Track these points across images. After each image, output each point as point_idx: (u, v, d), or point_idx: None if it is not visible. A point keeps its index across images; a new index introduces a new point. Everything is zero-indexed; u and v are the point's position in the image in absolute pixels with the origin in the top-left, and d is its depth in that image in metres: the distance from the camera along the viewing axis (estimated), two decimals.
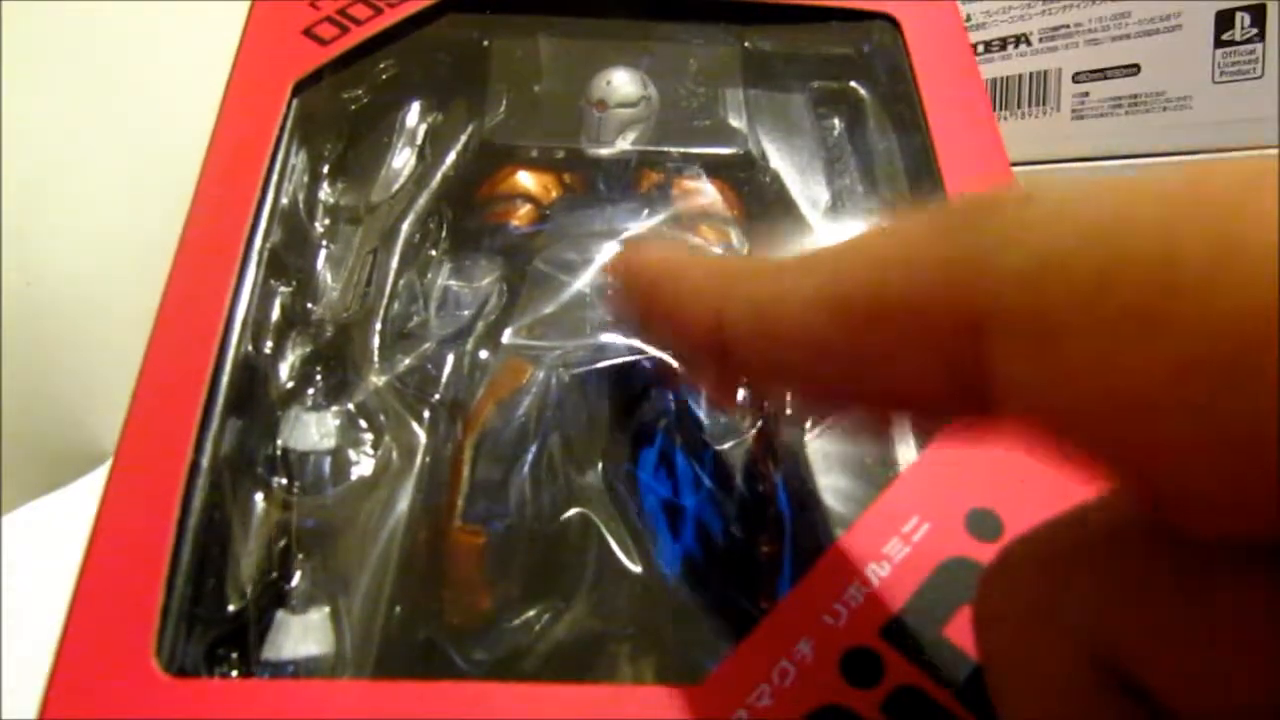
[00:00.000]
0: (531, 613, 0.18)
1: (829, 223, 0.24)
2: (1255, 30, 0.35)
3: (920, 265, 0.11)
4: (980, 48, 0.45)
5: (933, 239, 0.11)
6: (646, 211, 0.24)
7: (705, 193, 0.24)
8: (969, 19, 0.45)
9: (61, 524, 0.33)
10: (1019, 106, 0.43)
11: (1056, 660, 0.11)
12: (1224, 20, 0.36)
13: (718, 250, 0.24)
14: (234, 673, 0.16)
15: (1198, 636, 0.10)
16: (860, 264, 0.11)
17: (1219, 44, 0.36)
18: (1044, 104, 0.42)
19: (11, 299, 0.35)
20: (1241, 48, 0.35)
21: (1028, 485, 0.16)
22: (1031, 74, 0.43)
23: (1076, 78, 0.41)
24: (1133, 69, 0.39)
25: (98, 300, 0.37)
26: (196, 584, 0.16)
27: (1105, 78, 0.40)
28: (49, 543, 0.32)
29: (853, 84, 0.26)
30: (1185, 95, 0.38)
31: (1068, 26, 0.41)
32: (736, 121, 0.25)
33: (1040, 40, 0.42)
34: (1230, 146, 0.36)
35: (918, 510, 0.16)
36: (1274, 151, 0.35)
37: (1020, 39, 0.43)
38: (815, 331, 0.12)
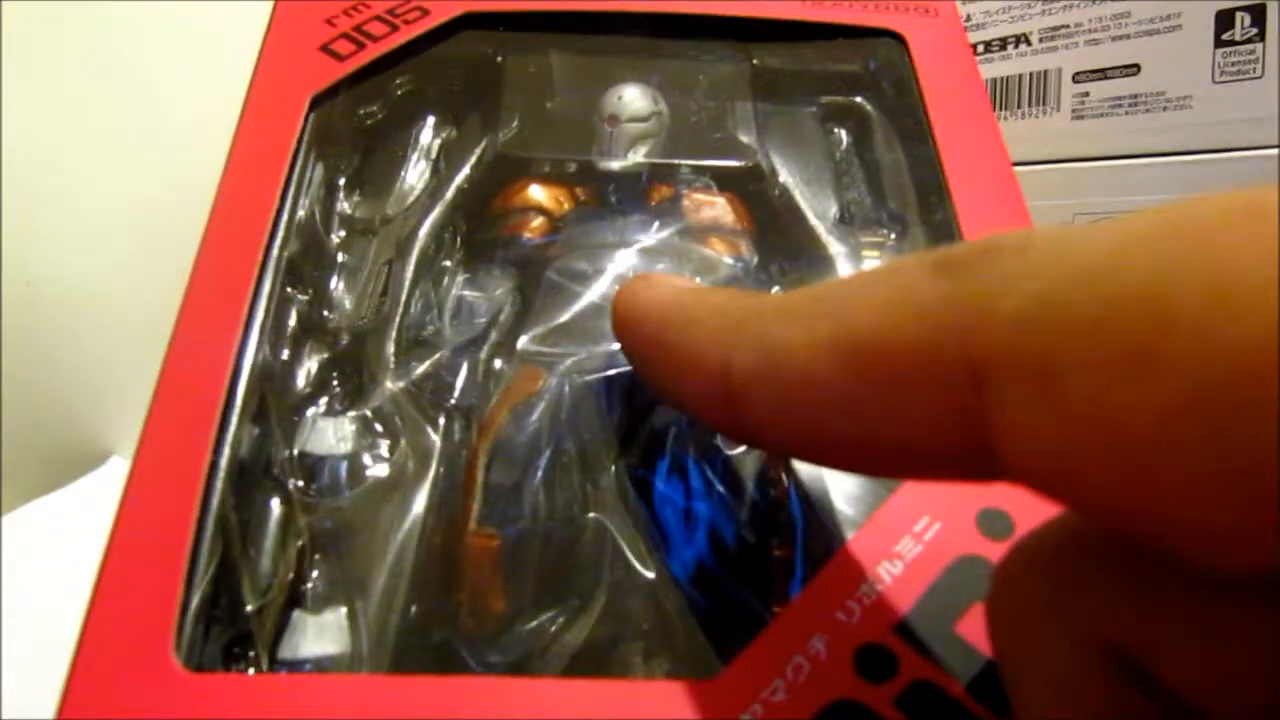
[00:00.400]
0: (545, 616, 0.19)
1: (838, 234, 0.24)
2: (1255, 30, 0.35)
3: (924, 310, 0.11)
4: (980, 48, 0.45)
5: (936, 282, 0.11)
6: (657, 224, 0.24)
7: (716, 205, 0.25)
8: (969, 19, 0.45)
9: (61, 524, 0.34)
10: (1019, 106, 0.43)
11: (1070, 654, 0.11)
12: (1224, 20, 0.36)
13: (728, 262, 0.24)
14: (251, 670, 0.16)
15: (1212, 635, 0.10)
16: (866, 307, 0.11)
17: (1219, 44, 0.36)
18: (1044, 104, 0.42)
19: (11, 299, 0.35)
20: (1241, 48, 0.36)
21: None
22: (1031, 74, 0.43)
23: (1076, 78, 0.42)
24: (1133, 69, 0.39)
25: (98, 300, 0.37)
26: (215, 583, 0.16)
27: (1105, 78, 0.40)
28: (49, 543, 0.33)
29: (859, 99, 0.26)
30: (1185, 95, 0.38)
31: (1068, 26, 0.41)
32: (746, 136, 0.25)
33: (1040, 40, 0.42)
34: (1230, 146, 0.37)
35: (929, 510, 0.17)
36: (1274, 152, 0.35)
37: (1020, 39, 0.43)
38: (824, 378, 0.12)
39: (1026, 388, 0.10)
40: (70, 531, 0.33)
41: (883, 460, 0.12)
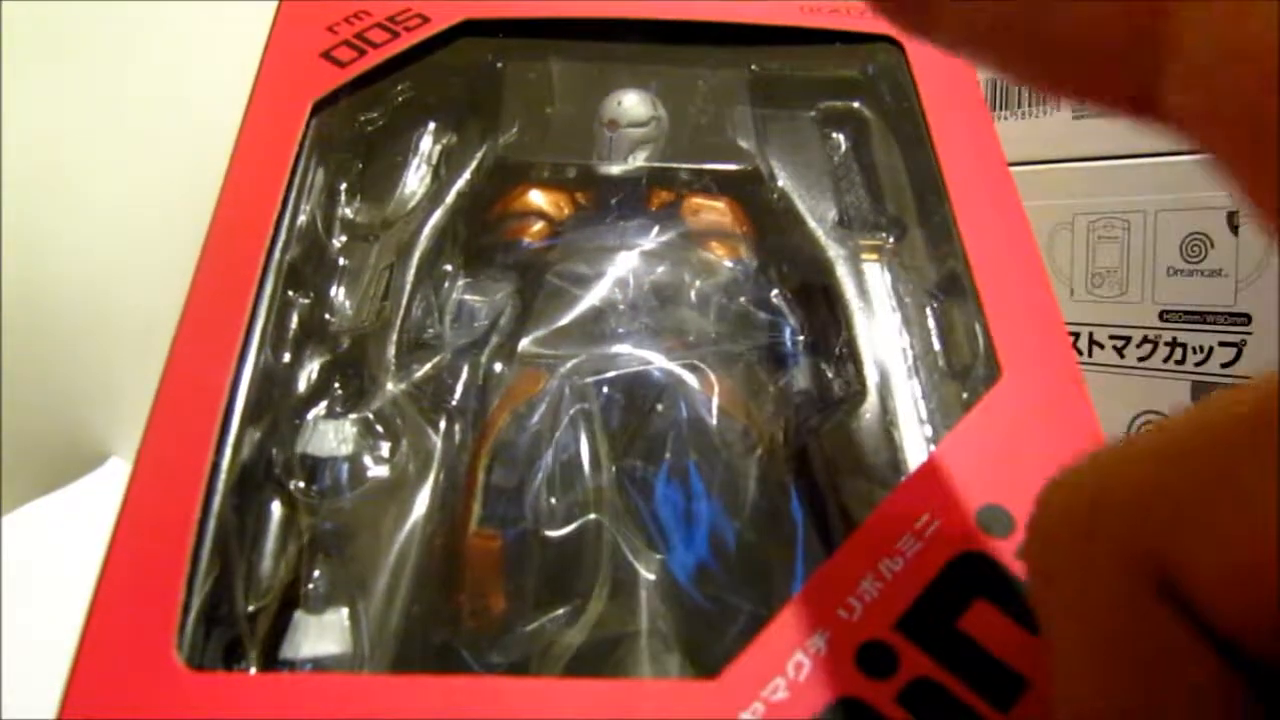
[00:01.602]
0: (546, 616, 0.19)
1: (836, 237, 0.24)
2: None
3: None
4: None
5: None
6: (657, 228, 0.24)
7: (715, 209, 0.25)
8: None
9: (61, 524, 0.33)
10: (1019, 106, 0.43)
11: (1101, 572, 0.11)
12: None
13: (727, 265, 0.24)
14: (253, 670, 0.16)
15: (1237, 534, 0.10)
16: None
17: None
18: (1044, 104, 0.42)
19: (11, 299, 0.35)
20: None
21: (1039, 481, 0.17)
22: None
23: None
24: None
25: (98, 300, 0.37)
26: (216, 584, 0.16)
27: None
28: (49, 543, 0.33)
29: (857, 104, 0.27)
30: None
31: None
32: (744, 141, 0.26)
33: None
34: None
35: (929, 507, 0.17)
36: None
37: None
38: None
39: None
40: (70, 531, 0.33)
41: (1057, 57, 0.12)
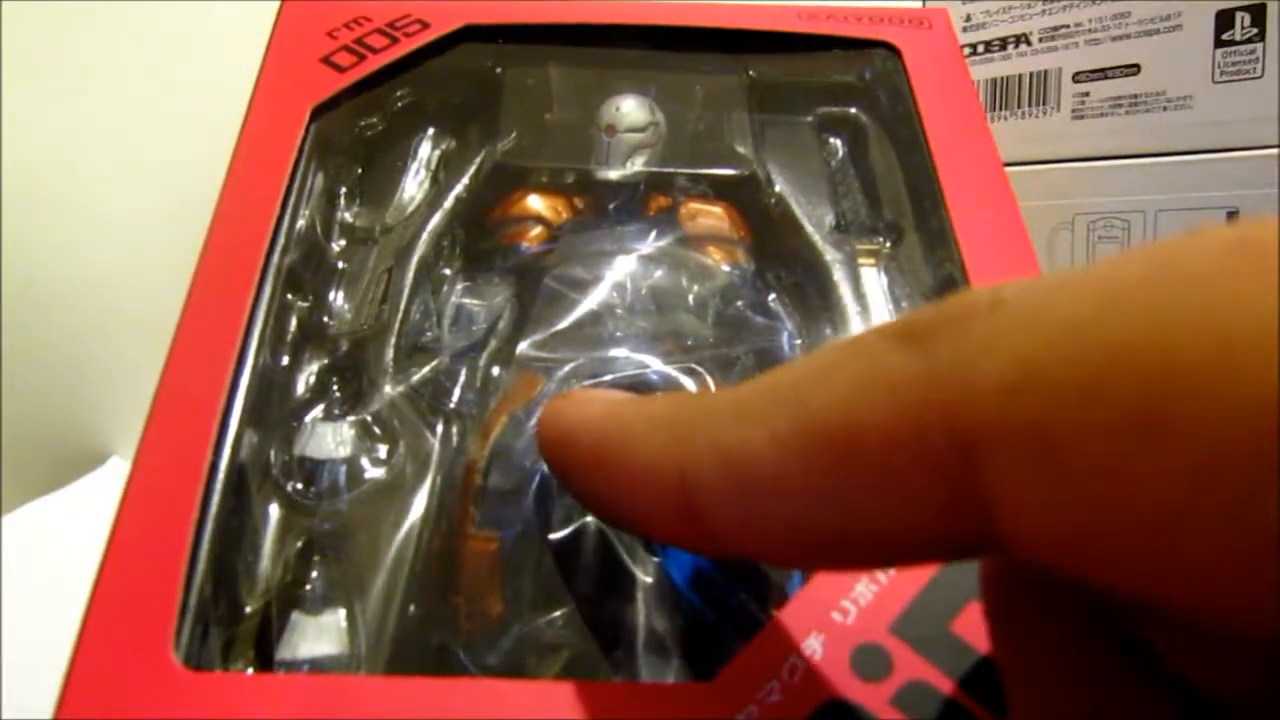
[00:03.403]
0: (543, 619, 0.19)
1: (833, 242, 0.24)
2: (1255, 30, 0.35)
3: (897, 387, 0.10)
4: (980, 47, 0.45)
5: (905, 356, 0.10)
6: (655, 232, 0.24)
7: (712, 214, 0.25)
8: (969, 19, 0.45)
9: (61, 524, 0.34)
10: (1019, 106, 0.43)
11: (1072, 639, 0.11)
12: (1224, 20, 0.36)
13: (724, 270, 0.24)
14: (250, 670, 0.16)
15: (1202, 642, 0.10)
16: (831, 392, 0.10)
17: (1219, 44, 0.37)
18: (1044, 104, 0.42)
19: (11, 299, 0.35)
20: (1241, 48, 0.36)
21: None
22: (1031, 74, 0.43)
23: (1076, 78, 0.42)
24: (1133, 69, 0.39)
25: (98, 300, 0.37)
26: (214, 584, 0.17)
27: (1105, 78, 0.40)
28: (49, 543, 0.33)
29: (854, 110, 0.27)
30: (1185, 95, 0.38)
31: (1068, 26, 0.41)
32: (742, 146, 0.26)
33: (1040, 40, 0.42)
34: (1230, 146, 0.37)
35: None
36: (1274, 152, 0.35)
37: (1020, 39, 0.43)
38: (794, 474, 0.10)
39: (1021, 460, 0.09)
40: (70, 531, 0.33)
41: (869, 552, 0.11)
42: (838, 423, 0.10)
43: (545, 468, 0.20)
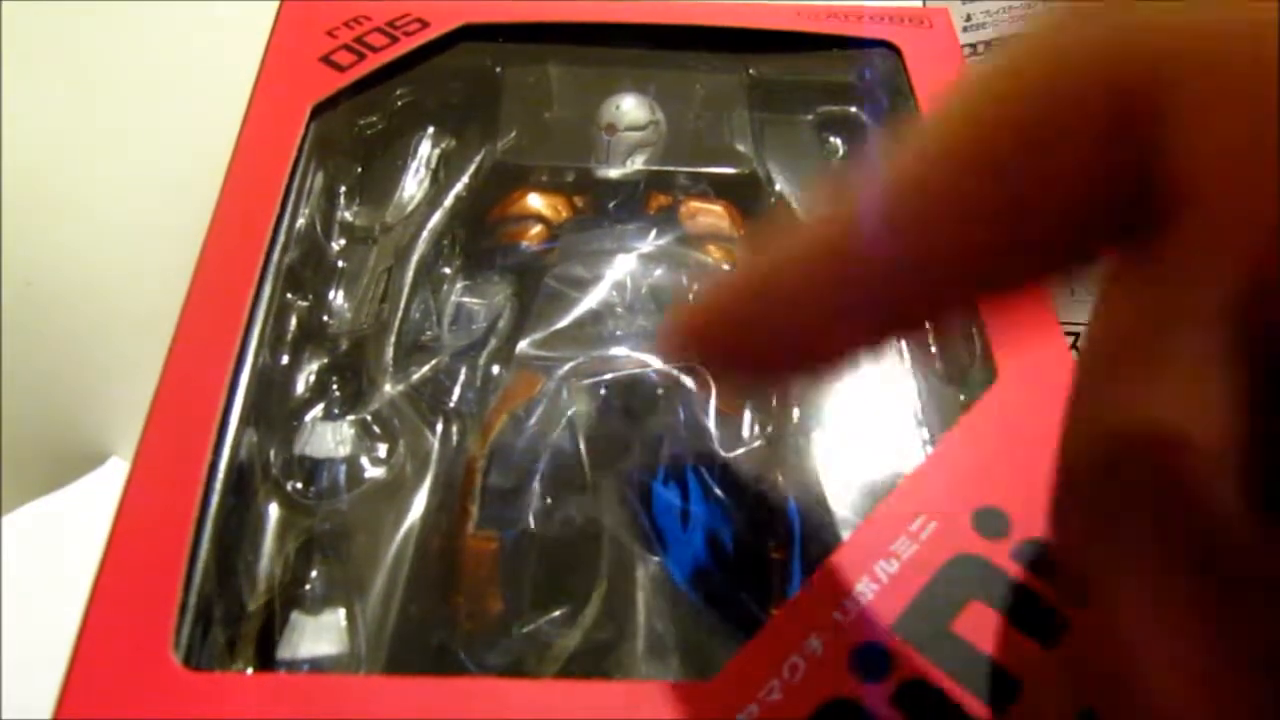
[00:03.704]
0: (543, 618, 0.19)
1: None
2: None
3: (1064, 54, 0.09)
4: (980, 47, 0.45)
5: (1080, 25, 0.09)
6: (655, 231, 0.24)
7: (712, 213, 0.25)
8: (969, 19, 0.45)
9: (61, 524, 0.33)
10: None
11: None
12: None
13: (724, 269, 0.24)
14: (249, 670, 0.16)
15: None
16: (998, 89, 0.10)
17: None
18: None
19: (11, 299, 0.35)
20: None
21: (1035, 483, 0.17)
22: None
23: None
24: None
25: (97, 300, 0.37)
26: (214, 584, 0.17)
27: None
28: (49, 543, 0.33)
29: (855, 109, 0.27)
30: None
31: None
32: (742, 145, 0.26)
33: None
34: None
35: (925, 510, 0.17)
36: None
37: None
38: (963, 164, 0.10)
39: (1215, 112, 0.08)
40: (70, 531, 0.33)
41: (1034, 251, 0.10)
42: (1007, 95, 0.10)
43: (543, 466, 0.20)
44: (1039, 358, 0.19)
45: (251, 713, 0.14)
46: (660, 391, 0.21)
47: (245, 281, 0.20)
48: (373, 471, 0.20)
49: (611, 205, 0.25)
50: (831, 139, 0.27)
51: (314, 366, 0.21)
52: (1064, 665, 0.15)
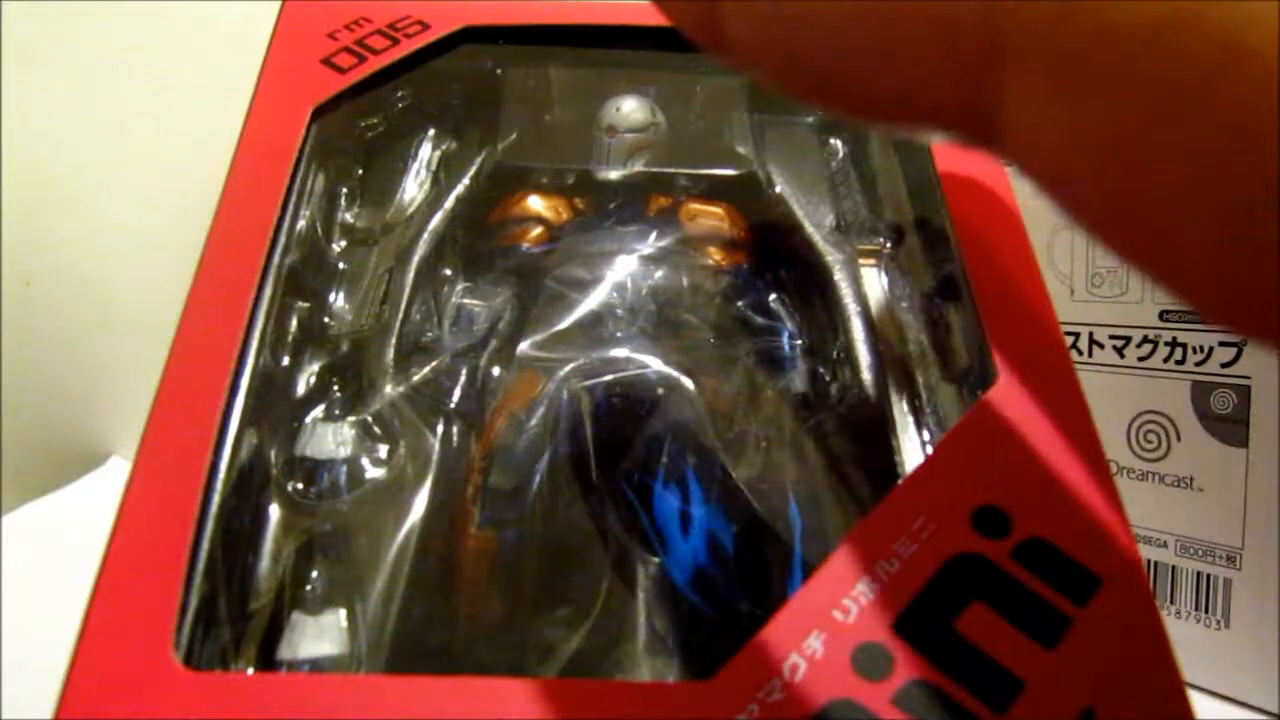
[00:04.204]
0: (543, 619, 0.19)
1: (833, 242, 0.24)
2: None
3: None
4: None
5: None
6: (655, 233, 0.24)
7: (713, 214, 0.25)
8: None
9: (61, 524, 0.33)
10: None
11: None
12: None
13: (725, 270, 0.24)
14: (250, 670, 0.16)
15: None
16: None
17: None
18: None
19: (11, 299, 0.35)
20: None
21: (1034, 483, 0.17)
22: None
23: None
24: None
25: (98, 300, 0.37)
26: (214, 584, 0.17)
27: None
28: (49, 543, 0.33)
29: None
30: None
31: None
32: (742, 146, 0.26)
33: None
34: None
35: (925, 509, 0.17)
36: None
37: None
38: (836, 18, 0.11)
39: (1045, 85, 0.09)
40: (70, 531, 0.33)
41: (875, 99, 0.11)
42: None
43: (543, 467, 0.20)
44: (1039, 358, 0.19)
45: (252, 713, 0.14)
46: (660, 392, 0.21)
47: (246, 282, 0.20)
48: (373, 472, 0.20)
49: (612, 207, 0.25)
50: (831, 140, 0.27)
51: (315, 367, 0.21)
52: (1066, 665, 0.15)
